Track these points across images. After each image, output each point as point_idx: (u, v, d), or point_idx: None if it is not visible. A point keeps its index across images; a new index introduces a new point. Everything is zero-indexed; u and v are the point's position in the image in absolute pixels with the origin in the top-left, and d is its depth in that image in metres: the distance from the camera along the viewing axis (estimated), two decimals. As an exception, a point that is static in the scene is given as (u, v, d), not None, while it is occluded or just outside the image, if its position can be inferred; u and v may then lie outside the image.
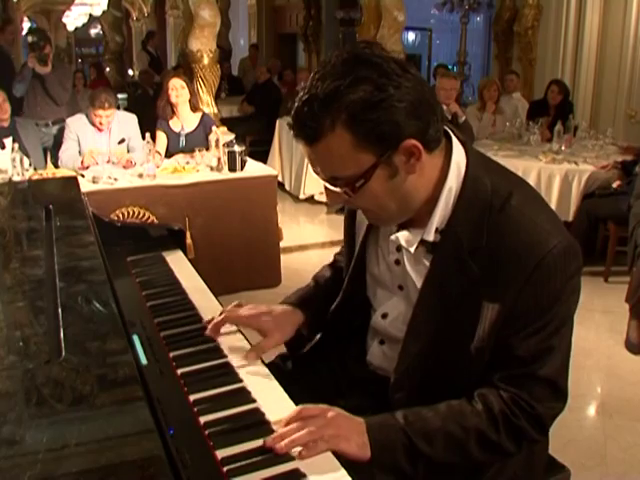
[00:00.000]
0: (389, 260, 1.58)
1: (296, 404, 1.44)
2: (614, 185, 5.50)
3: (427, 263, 1.47)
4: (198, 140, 5.69)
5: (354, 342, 1.76)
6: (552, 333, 1.38)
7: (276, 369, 1.68)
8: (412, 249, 1.48)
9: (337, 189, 1.37)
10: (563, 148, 6.14)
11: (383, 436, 1.36)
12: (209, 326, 1.71)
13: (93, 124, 5.28)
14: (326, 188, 1.40)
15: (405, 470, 1.37)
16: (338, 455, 1.29)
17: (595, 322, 4.61)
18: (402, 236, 1.50)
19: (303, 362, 1.84)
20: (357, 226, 1.70)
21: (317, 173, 1.38)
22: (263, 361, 1.64)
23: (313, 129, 1.29)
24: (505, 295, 1.36)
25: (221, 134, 5.70)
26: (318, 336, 1.85)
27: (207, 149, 5.50)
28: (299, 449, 1.27)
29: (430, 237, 1.44)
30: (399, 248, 1.54)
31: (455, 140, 1.45)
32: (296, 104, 1.32)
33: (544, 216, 1.41)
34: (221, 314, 1.72)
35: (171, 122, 5.76)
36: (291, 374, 1.78)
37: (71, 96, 7.14)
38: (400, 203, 1.40)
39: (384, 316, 1.63)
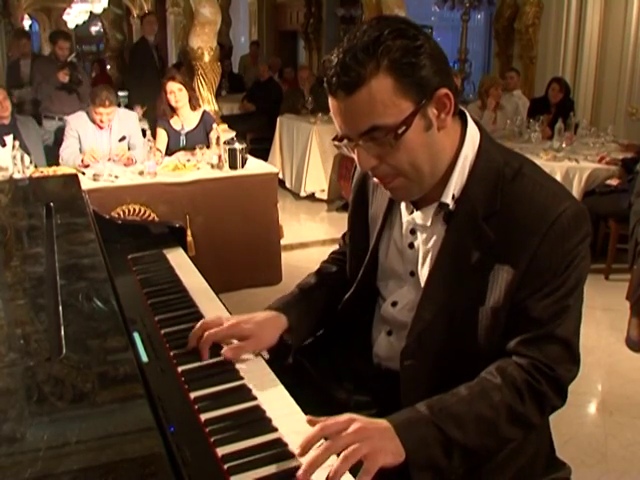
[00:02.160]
0: (403, 245, 1.60)
1: (296, 399, 1.44)
2: (613, 183, 5.50)
3: (442, 239, 1.50)
4: (199, 138, 5.69)
5: (358, 337, 1.77)
6: (566, 294, 1.42)
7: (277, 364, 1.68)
8: (428, 222, 1.51)
9: (373, 143, 1.37)
10: (564, 146, 6.14)
11: (414, 434, 1.31)
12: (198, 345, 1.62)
13: (94, 122, 5.27)
14: (358, 151, 1.40)
15: (440, 464, 1.33)
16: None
17: (596, 320, 4.61)
18: (417, 215, 1.54)
19: (304, 356, 1.83)
20: (370, 221, 1.70)
21: (346, 135, 1.40)
22: (264, 358, 1.64)
23: (356, 74, 1.32)
24: (520, 256, 1.39)
25: (222, 132, 5.70)
26: (320, 332, 1.86)
27: (208, 147, 5.50)
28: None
29: (448, 200, 1.46)
30: (413, 231, 1.57)
31: (469, 117, 1.51)
32: (333, 58, 1.35)
33: (554, 183, 1.48)
34: (198, 331, 1.63)
35: (172, 121, 5.76)
36: (292, 369, 1.78)
37: (84, 92, 7.22)
38: (431, 162, 1.42)
39: (394, 304, 1.64)
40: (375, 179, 1.48)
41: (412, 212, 1.56)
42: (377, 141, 1.37)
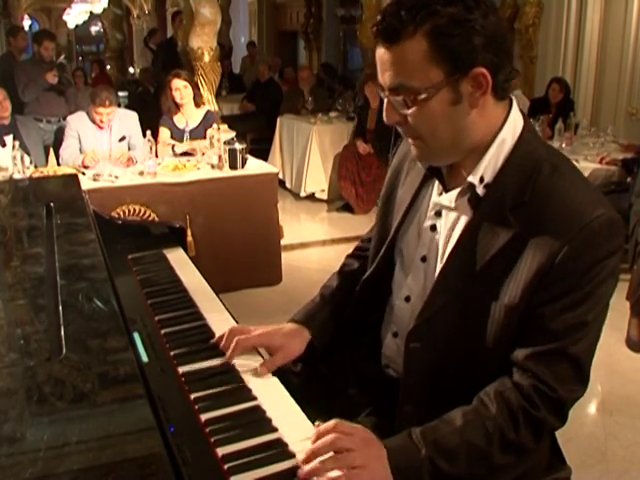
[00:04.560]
0: (424, 227, 1.56)
1: (297, 401, 1.44)
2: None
3: (466, 223, 1.46)
4: (201, 136, 5.74)
5: (365, 340, 1.76)
6: (588, 310, 1.35)
7: (284, 374, 1.68)
8: (453, 203, 1.48)
9: (399, 98, 1.38)
10: (564, 146, 6.14)
11: (405, 464, 1.31)
12: (227, 354, 1.63)
13: (94, 122, 5.27)
14: (387, 102, 1.42)
15: None
16: None
17: (596, 320, 4.60)
18: (445, 197, 1.50)
19: (314, 368, 1.82)
20: (399, 202, 1.67)
21: (382, 83, 1.40)
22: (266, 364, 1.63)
23: (396, 30, 1.32)
24: (544, 253, 1.33)
25: (222, 132, 5.70)
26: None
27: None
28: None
29: (475, 180, 1.43)
30: (439, 213, 1.53)
31: (515, 106, 1.47)
32: (384, 7, 1.37)
33: (592, 189, 1.42)
34: (230, 336, 1.66)
35: (175, 118, 5.79)
36: (301, 377, 1.78)
37: (72, 94, 7.19)
38: (454, 135, 1.40)
39: (407, 299, 1.61)
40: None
41: (441, 194, 1.53)
42: (401, 99, 1.38)
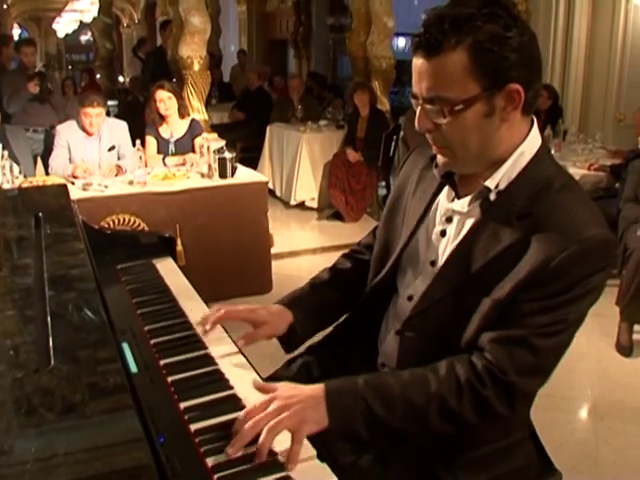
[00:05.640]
0: (434, 232, 1.60)
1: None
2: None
3: (474, 224, 1.51)
4: (187, 146, 5.75)
5: (361, 342, 1.79)
6: (565, 314, 1.41)
7: (276, 378, 1.72)
8: (465, 208, 1.53)
9: (434, 107, 1.41)
10: (553, 152, 6.15)
11: (341, 403, 1.39)
12: (209, 320, 1.73)
13: (83, 129, 5.25)
14: (420, 110, 1.46)
15: (362, 436, 1.39)
16: (330, 463, 1.29)
17: (586, 325, 4.55)
18: (457, 203, 1.56)
19: (312, 356, 1.88)
20: (410, 212, 1.70)
21: (416, 92, 1.45)
22: (257, 371, 1.64)
23: (438, 42, 1.37)
24: (539, 257, 1.38)
25: (211, 140, 5.70)
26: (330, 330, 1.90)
27: (193, 151, 5.60)
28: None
29: (492, 185, 1.48)
30: (450, 219, 1.57)
31: (535, 125, 1.54)
32: (425, 19, 1.40)
33: (595, 210, 1.47)
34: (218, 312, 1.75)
35: (160, 129, 5.78)
36: (298, 371, 1.83)
37: (60, 102, 7.17)
38: (481, 146, 1.46)
39: (410, 298, 1.64)
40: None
41: (453, 200, 1.58)
42: (436, 109, 1.41)
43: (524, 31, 1.39)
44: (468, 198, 1.53)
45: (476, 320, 1.46)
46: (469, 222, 1.53)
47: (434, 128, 1.46)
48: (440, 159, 1.54)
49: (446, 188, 1.61)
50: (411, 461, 1.53)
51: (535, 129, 1.52)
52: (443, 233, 1.58)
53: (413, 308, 1.59)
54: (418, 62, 1.42)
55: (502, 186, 1.48)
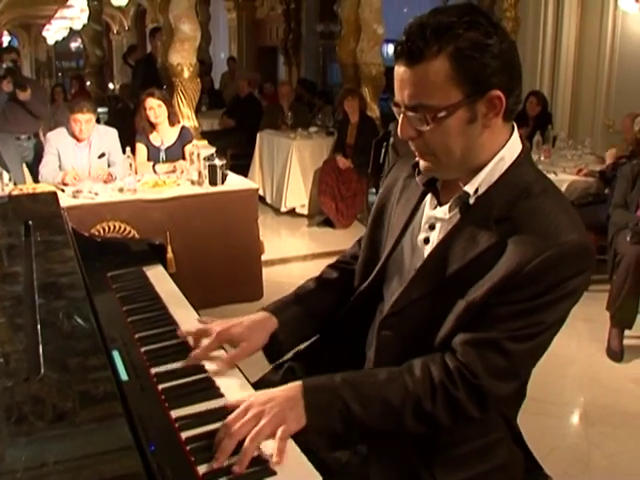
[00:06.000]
0: (417, 240, 1.61)
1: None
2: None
3: (452, 227, 1.52)
4: (177, 154, 5.74)
5: (353, 343, 1.78)
6: (541, 319, 1.40)
7: (263, 383, 1.70)
8: (447, 215, 1.54)
9: (417, 115, 1.42)
10: (542, 158, 6.19)
11: (318, 399, 1.40)
12: (193, 354, 1.68)
13: (74, 135, 5.24)
14: (403, 118, 1.46)
15: (338, 433, 1.41)
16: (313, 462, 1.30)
17: (577, 331, 4.64)
18: (439, 210, 1.57)
19: (298, 363, 1.86)
20: (394, 223, 1.70)
21: (399, 101, 1.46)
22: (246, 377, 1.63)
23: (419, 50, 1.38)
24: (515, 261, 1.39)
25: (201, 148, 5.70)
26: (315, 338, 1.88)
27: (183, 158, 5.60)
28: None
29: (470, 190, 1.49)
30: (433, 226, 1.58)
31: (516, 131, 1.55)
32: (407, 28, 1.41)
33: (573, 215, 1.47)
34: (196, 337, 1.73)
35: (151, 136, 5.78)
36: (284, 377, 1.79)
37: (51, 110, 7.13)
38: (464, 152, 1.46)
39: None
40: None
41: (435, 207, 1.59)
42: (419, 116, 1.42)
43: (504, 38, 1.41)
44: (448, 205, 1.54)
45: (450, 321, 1.47)
46: (452, 227, 1.53)
47: (417, 136, 1.47)
48: (423, 165, 1.55)
49: (429, 196, 1.62)
50: (392, 460, 1.53)
51: (516, 135, 1.53)
52: (426, 240, 1.59)
53: (390, 307, 1.59)
54: (400, 70, 1.43)
55: (481, 191, 1.49)
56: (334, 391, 1.42)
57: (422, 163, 1.55)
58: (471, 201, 1.49)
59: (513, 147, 1.51)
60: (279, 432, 1.32)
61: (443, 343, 1.48)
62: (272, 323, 1.74)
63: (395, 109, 1.49)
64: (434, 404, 1.42)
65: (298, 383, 1.42)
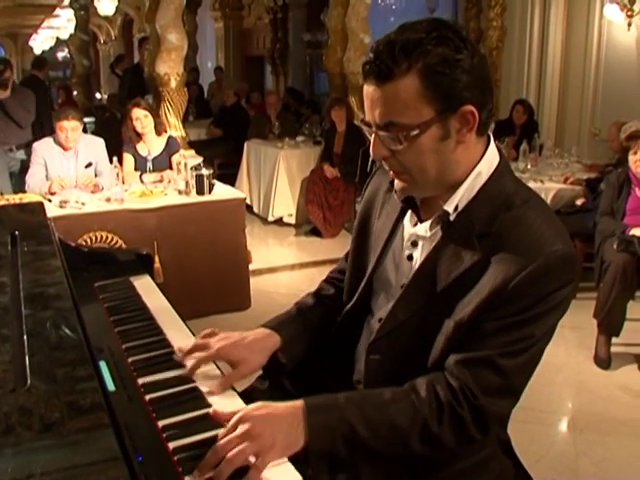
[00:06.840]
0: (401, 257, 1.61)
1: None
2: (578, 203, 5.59)
3: (434, 245, 1.51)
4: (165, 163, 5.74)
5: (337, 360, 1.77)
6: (530, 332, 1.40)
7: (251, 392, 1.70)
8: (429, 233, 1.53)
9: (389, 134, 1.41)
10: (529, 167, 6.22)
11: (322, 420, 1.35)
12: (187, 367, 1.65)
13: (60, 144, 5.23)
14: (375, 138, 1.45)
15: (341, 455, 1.36)
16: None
17: (564, 338, 4.65)
18: (420, 227, 1.56)
19: (286, 377, 1.83)
20: (376, 237, 1.70)
21: (370, 120, 1.44)
22: (233, 387, 1.63)
23: (389, 69, 1.36)
24: (500, 277, 1.38)
25: (188, 157, 5.70)
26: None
27: (170, 168, 5.60)
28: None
29: (450, 209, 1.48)
30: (415, 243, 1.57)
31: (493, 142, 1.53)
32: (374, 47, 1.41)
33: (555, 224, 1.46)
34: (192, 349, 1.68)
35: (138, 146, 5.78)
36: (266, 394, 1.77)
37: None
38: (439, 170, 1.45)
39: (380, 320, 1.62)
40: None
41: (415, 224, 1.58)
42: (391, 136, 1.41)
43: (474, 53, 1.39)
44: (429, 222, 1.53)
45: (440, 342, 1.46)
46: (433, 244, 1.52)
47: (390, 155, 1.45)
48: (398, 185, 1.54)
49: (409, 212, 1.61)
50: (383, 479, 1.50)
51: (492, 147, 1.52)
52: (410, 257, 1.58)
53: (378, 330, 1.58)
54: (370, 89, 1.42)
55: (461, 206, 1.48)
56: (339, 413, 1.37)
57: (397, 183, 1.54)
58: (452, 218, 1.49)
59: (490, 160, 1.50)
60: (258, 460, 1.27)
61: (434, 364, 1.47)
62: (274, 342, 1.71)
63: (366, 129, 1.48)
64: (440, 425, 1.40)
65: (300, 402, 1.37)
